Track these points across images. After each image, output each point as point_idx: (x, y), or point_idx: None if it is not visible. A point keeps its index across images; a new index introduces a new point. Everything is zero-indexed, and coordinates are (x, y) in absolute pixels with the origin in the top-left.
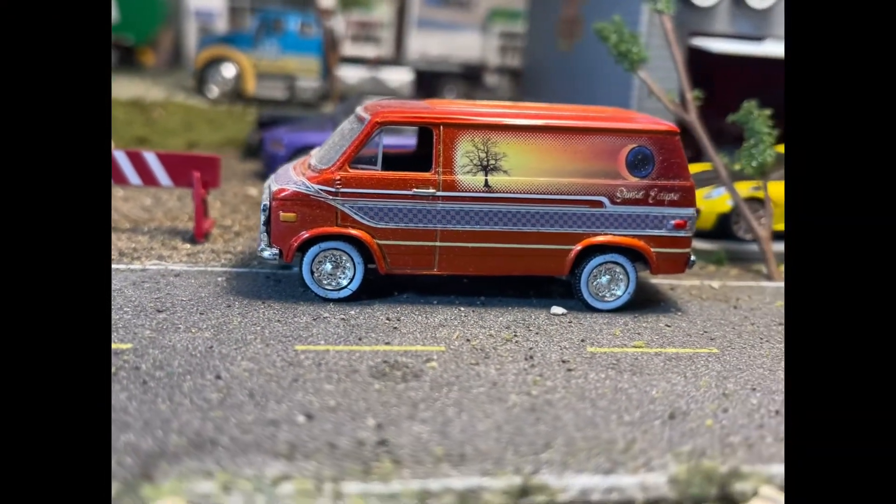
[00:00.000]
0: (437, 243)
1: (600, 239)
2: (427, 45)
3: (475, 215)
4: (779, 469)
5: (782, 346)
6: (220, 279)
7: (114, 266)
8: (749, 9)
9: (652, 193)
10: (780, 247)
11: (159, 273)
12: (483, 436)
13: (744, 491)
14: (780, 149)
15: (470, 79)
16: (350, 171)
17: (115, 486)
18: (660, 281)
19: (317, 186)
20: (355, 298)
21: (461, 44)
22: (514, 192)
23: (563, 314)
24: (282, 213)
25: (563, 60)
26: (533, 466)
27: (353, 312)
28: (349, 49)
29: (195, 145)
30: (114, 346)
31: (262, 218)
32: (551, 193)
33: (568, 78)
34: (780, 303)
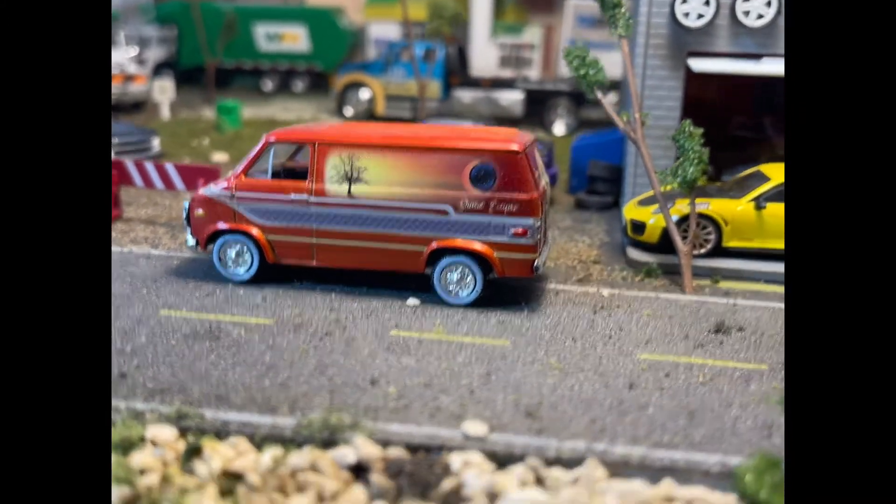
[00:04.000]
0: (314, 240)
1: (446, 243)
2: None
3: (342, 218)
4: (401, 428)
5: (579, 351)
6: (175, 262)
7: (116, 248)
8: (746, 28)
9: (492, 204)
10: (722, 262)
11: (136, 255)
12: (200, 380)
13: (347, 439)
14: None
15: (577, 97)
16: (244, 179)
17: None
18: (559, 286)
19: (219, 190)
20: (269, 281)
21: (615, 61)
22: (372, 199)
23: (415, 304)
24: (196, 210)
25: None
26: (207, 402)
27: (241, 293)
28: (498, 70)
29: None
30: None
31: (184, 214)
32: (402, 201)
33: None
34: (648, 311)
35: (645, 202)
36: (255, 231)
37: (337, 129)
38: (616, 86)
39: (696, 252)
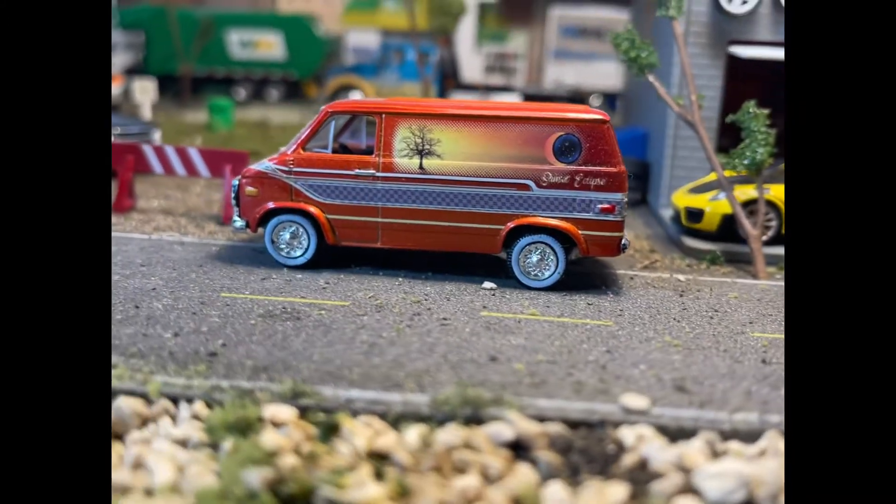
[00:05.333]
0: (380, 219)
1: (528, 220)
2: (563, 73)
3: (412, 194)
4: (550, 404)
5: (689, 330)
6: (213, 249)
7: (135, 237)
8: None
9: (578, 178)
10: (776, 249)
11: (169, 242)
12: (302, 358)
13: (496, 415)
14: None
15: (572, 101)
16: (302, 153)
17: None
18: (629, 272)
19: (274, 166)
20: (320, 266)
21: (597, 72)
22: (446, 174)
23: (492, 288)
24: (247, 188)
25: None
26: (320, 379)
27: (300, 276)
28: (484, 78)
29: None
30: None
31: (233, 193)
32: (480, 176)
33: (646, 97)
34: (735, 294)
35: (697, 190)
36: (314, 210)
37: (401, 101)
38: (613, 98)
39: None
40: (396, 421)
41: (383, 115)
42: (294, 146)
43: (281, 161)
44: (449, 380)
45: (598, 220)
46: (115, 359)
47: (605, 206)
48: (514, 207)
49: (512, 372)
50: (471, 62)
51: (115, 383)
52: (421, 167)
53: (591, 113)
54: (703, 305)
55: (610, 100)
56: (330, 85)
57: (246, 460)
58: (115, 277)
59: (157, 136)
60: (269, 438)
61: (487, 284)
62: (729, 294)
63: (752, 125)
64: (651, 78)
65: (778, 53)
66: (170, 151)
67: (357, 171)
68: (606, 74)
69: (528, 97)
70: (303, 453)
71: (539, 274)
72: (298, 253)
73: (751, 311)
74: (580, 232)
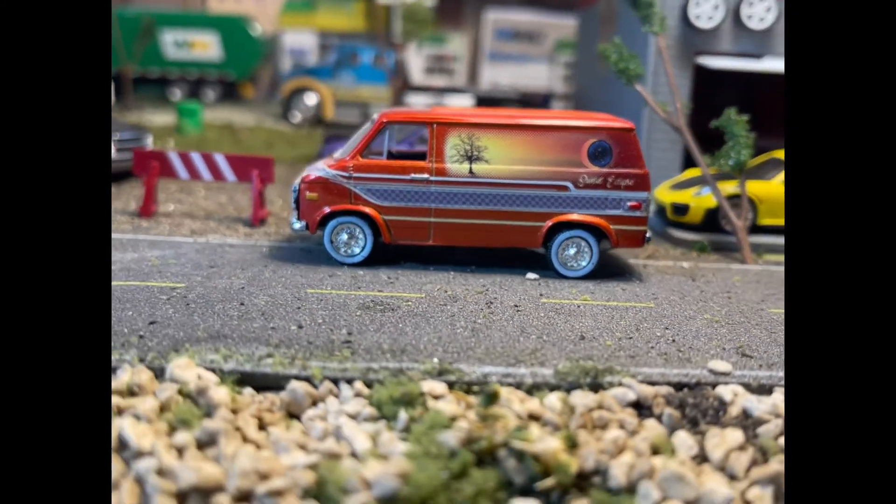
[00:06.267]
0: (432, 219)
1: (566, 217)
2: (498, 75)
3: (462, 196)
4: (653, 371)
5: (718, 308)
6: (264, 250)
7: (185, 239)
8: (748, 29)
9: (610, 180)
10: (761, 238)
11: (218, 245)
12: (426, 341)
13: (611, 381)
14: (779, 153)
15: (525, 104)
16: (361, 160)
17: (151, 355)
18: (637, 261)
19: (334, 172)
20: (371, 264)
21: (530, 74)
22: (493, 178)
23: (535, 279)
24: (307, 193)
25: (603, 84)
26: (453, 358)
27: (361, 273)
28: (424, 79)
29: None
30: (168, 284)
31: (293, 197)
32: (525, 179)
33: (607, 100)
34: (738, 278)
35: (679, 186)
36: (371, 211)
37: (450, 110)
38: (547, 98)
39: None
40: (530, 390)
41: (435, 125)
42: (351, 153)
43: (340, 167)
44: (557, 355)
45: (627, 216)
46: (262, 349)
47: (634, 203)
48: (553, 206)
49: (604, 347)
50: (411, 64)
51: (277, 370)
52: (471, 171)
53: (619, 122)
54: (716, 288)
55: (544, 101)
56: (286, 87)
57: (435, 425)
58: (196, 278)
59: (149, 140)
60: (444, 407)
61: (530, 275)
62: (733, 278)
63: (735, 129)
64: (639, 87)
65: (740, 64)
66: (196, 158)
67: (413, 175)
68: (538, 76)
69: (482, 100)
70: (476, 417)
71: (575, 264)
72: (357, 251)
73: (756, 291)
74: (612, 227)
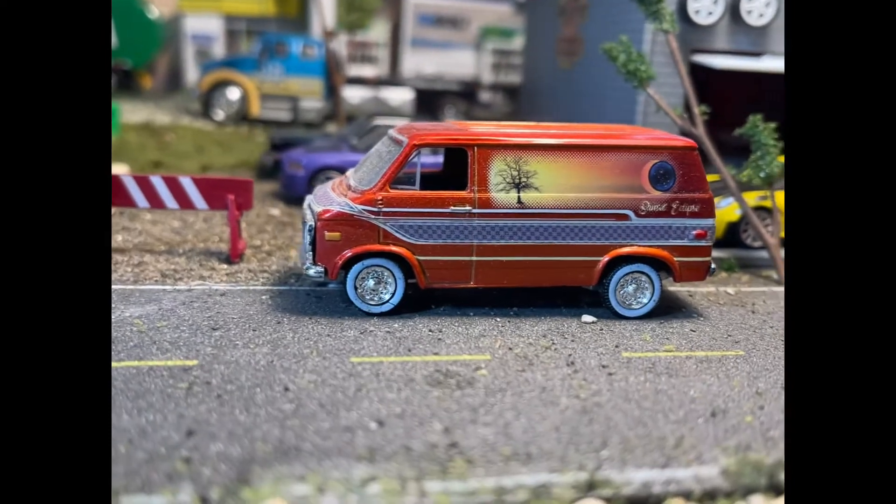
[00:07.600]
0: (474, 258)
1: (627, 250)
2: (421, 63)
3: (509, 230)
4: None
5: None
6: (263, 297)
7: (160, 287)
8: (747, 26)
9: (674, 206)
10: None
11: (205, 293)
12: (543, 436)
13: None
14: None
15: (467, 96)
16: (391, 191)
17: (216, 491)
18: (677, 288)
19: (360, 207)
20: (396, 312)
21: (455, 61)
22: (545, 208)
23: (593, 322)
24: (327, 233)
25: (565, 78)
26: (594, 463)
27: (396, 325)
28: (349, 69)
29: (208, 168)
30: (180, 362)
31: (308, 238)
32: (580, 208)
33: (570, 95)
34: None
35: None
36: (405, 252)
37: (490, 129)
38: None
39: (757, 245)
40: (701, 500)
41: (475, 148)
42: (378, 183)
43: (368, 201)
44: (705, 444)
45: (691, 246)
46: (358, 467)
47: (699, 231)
48: (612, 238)
49: (746, 425)
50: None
51: (389, 500)
52: (519, 201)
53: (680, 141)
54: (778, 320)
55: (472, 91)
56: (205, 80)
57: None
58: (206, 348)
59: None
60: None
61: (587, 318)
62: (781, 303)
63: (762, 138)
64: (651, 91)
65: (739, 62)
66: (157, 183)
67: (452, 208)
68: (463, 64)
69: (421, 92)
70: None
71: (635, 303)
72: (387, 297)
73: None
74: (675, 259)
